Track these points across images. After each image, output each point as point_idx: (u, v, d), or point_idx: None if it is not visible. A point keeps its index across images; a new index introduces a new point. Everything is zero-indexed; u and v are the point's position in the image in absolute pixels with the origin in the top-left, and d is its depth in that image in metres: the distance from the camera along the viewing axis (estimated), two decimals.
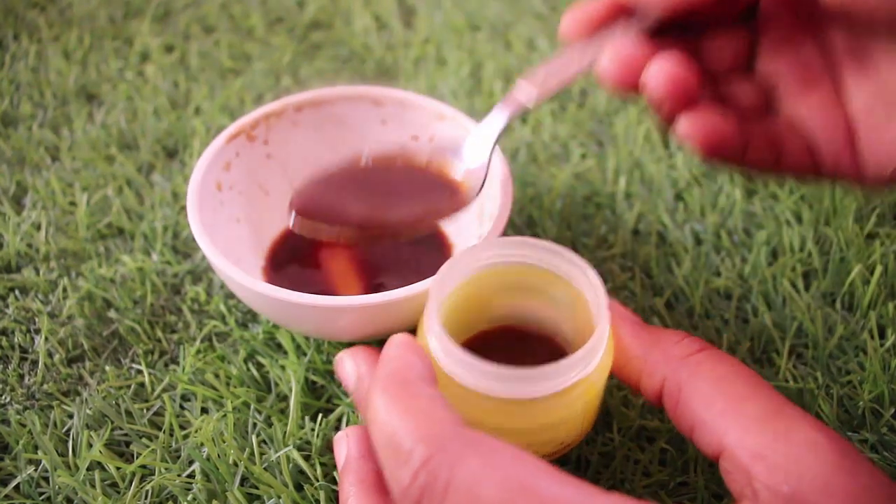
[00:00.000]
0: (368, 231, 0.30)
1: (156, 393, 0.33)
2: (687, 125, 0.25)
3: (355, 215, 0.31)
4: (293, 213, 0.30)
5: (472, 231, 0.36)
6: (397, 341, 0.23)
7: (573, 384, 0.23)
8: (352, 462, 0.25)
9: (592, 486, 0.19)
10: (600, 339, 0.23)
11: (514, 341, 0.29)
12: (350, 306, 0.28)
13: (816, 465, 0.20)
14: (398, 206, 0.31)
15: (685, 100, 0.25)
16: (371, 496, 0.24)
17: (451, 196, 0.31)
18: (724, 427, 0.22)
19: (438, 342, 0.24)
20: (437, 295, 0.25)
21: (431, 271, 0.29)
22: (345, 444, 0.26)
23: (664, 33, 0.26)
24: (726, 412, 0.22)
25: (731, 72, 0.28)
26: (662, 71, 0.24)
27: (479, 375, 0.23)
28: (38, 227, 0.40)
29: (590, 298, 0.25)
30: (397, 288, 0.28)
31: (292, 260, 0.36)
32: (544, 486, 0.19)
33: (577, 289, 0.26)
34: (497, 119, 0.29)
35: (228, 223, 0.35)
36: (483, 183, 0.30)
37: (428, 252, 0.37)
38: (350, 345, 0.34)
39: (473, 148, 0.30)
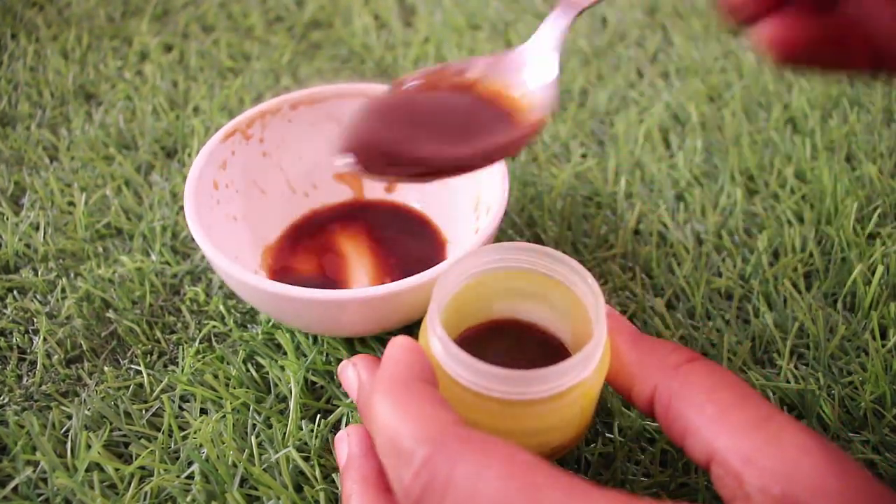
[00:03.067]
0: (433, 169, 0.27)
1: (155, 394, 0.32)
2: (768, 30, 0.24)
3: (416, 152, 0.27)
4: (348, 157, 0.26)
5: (469, 224, 0.36)
6: (398, 343, 0.24)
7: (570, 387, 0.23)
8: (354, 460, 0.25)
9: (590, 483, 0.19)
10: (598, 343, 0.24)
11: (512, 334, 0.29)
12: (350, 299, 0.28)
13: (807, 468, 0.20)
14: (460, 139, 0.28)
15: (771, 4, 0.24)
16: (374, 494, 0.24)
17: (513, 123, 0.28)
18: (714, 433, 0.22)
19: (440, 343, 0.24)
20: (439, 296, 0.25)
21: (425, 265, 0.29)
22: (346, 443, 0.26)
23: None
24: (717, 418, 0.22)
25: None
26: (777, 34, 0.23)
27: (478, 376, 0.23)
28: (37, 228, 0.40)
29: (588, 304, 0.26)
30: (391, 281, 0.28)
31: (290, 256, 0.36)
32: (542, 483, 0.19)
33: (576, 294, 0.26)
34: (556, 26, 0.27)
35: (226, 222, 0.35)
36: (555, 100, 0.27)
37: (420, 246, 0.37)
38: (350, 344, 0.34)
39: (533, 61, 0.27)
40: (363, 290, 0.28)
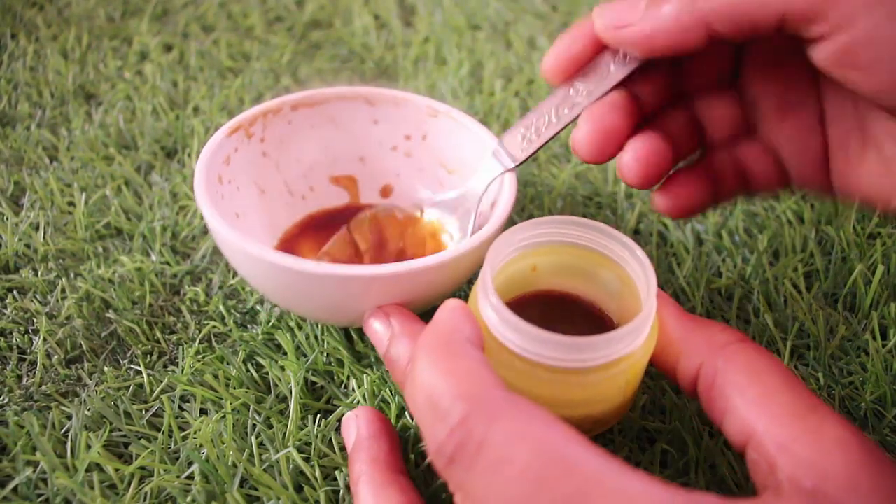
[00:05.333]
0: None
1: (155, 394, 0.32)
2: (661, 202, 0.30)
3: None
4: None
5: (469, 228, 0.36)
6: (450, 305, 0.23)
7: (619, 358, 0.23)
8: (362, 441, 0.25)
9: (622, 462, 0.19)
10: (649, 314, 0.23)
11: (557, 306, 0.29)
12: (369, 276, 0.27)
13: (842, 463, 0.20)
14: None
15: (657, 180, 0.29)
16: (384, 474, 0.24)
17: None
18: (755, 415, 0.22)
19: (493, 309, 0.24)
20: (491, 263, 0.25)
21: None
22: (354, 425, 0.26)
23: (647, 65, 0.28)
24: (758, 401, 0.22)
25: (711, 90, 0.30)
26: (636, 156, 0.28)
27: (530, 342, 0.23)
28: (37, 228, 0.40)
29: (638, 277, 0.25)
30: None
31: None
32: (576, 455, 0.19)
33: (625, 270, 0.26)
34: (480, 183, 0.33)
35: (228, 217, 0.34)
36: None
37: (419, 249, 0.37)
38: (351, 343, 0.33)
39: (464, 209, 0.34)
40: (386, 265, 0.27)
